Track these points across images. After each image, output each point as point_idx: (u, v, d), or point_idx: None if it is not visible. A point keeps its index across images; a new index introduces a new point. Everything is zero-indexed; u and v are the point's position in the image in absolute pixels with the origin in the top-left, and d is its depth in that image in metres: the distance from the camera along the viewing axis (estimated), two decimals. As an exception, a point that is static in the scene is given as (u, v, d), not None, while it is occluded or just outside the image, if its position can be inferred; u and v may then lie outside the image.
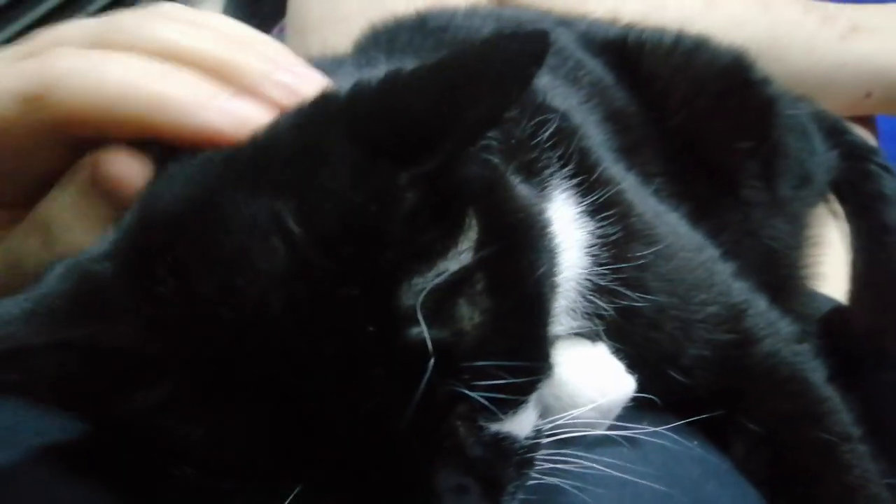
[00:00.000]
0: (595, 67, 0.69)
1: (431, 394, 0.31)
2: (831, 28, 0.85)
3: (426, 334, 0.30)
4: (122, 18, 0.39)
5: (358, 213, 0.31)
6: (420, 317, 0.31)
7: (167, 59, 0.37)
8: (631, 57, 0.71)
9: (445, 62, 0.34)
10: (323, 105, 0.35)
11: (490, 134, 0.35)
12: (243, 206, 0.31)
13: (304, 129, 0.34)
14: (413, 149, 0.32)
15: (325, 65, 0.44)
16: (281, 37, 0.96)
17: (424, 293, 0.31)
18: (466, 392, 0.32)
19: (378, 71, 0.36)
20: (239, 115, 0.36)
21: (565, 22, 0.76)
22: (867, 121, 0.90)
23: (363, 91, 0.35)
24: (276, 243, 0.30)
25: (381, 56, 0.60)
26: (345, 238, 0.31)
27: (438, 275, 0.32)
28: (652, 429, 0.42)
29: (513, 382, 0.33)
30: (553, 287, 0.39)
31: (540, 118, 0.46)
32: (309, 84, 0.38)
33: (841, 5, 0.88)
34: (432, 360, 0.30)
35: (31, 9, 1.25)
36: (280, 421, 0.30)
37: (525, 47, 0.33)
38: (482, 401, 0.32)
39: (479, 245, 0.34)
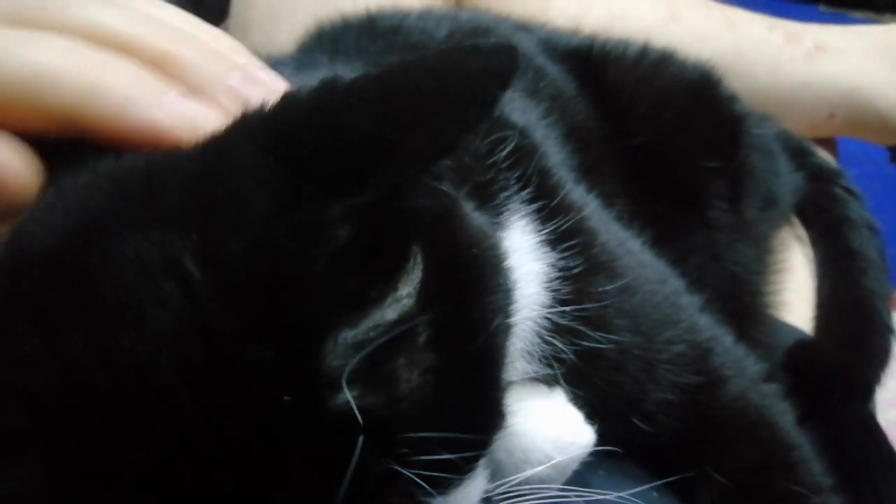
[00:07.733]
0: (557, 76, 0.64)
1: (363, 475, 0.26)
2: (796, 47, 0.83)
3: (353, 404, 0.25)
4: None
5: (274, 252, 0.26)
6: (344, 383, 0.25)
7: (101, 45, 0.31)
8: (596, 66, 0.68)
9: (393, 74, 0.29)
10: (239, 119, 0.30)
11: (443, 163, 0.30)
12: (132, 243, 0.25)
13: (213, 146, 0.29)
14: (348, 177, 0.27)
15: None
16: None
17: (356, 351, 0.26)
18: (404, 472, 0.27)
19: (314, 78, 0.31)
20: (189, 117, 0.30)
21: (525, 27, 0.72)
22: (829, 143, 0.88)
23: (291, 104, 0.29)
24: (170, 290, 0.25)
25: (323, 58, 0.55)
26: (255, 285, 0.25)
27: (374, 327, 0.27)
28: (615, 494, 0.37)
29: (459, 456, 0.28)
30: (508, 333, 0.34)
31: (497, 135, 0.41)
32: (266, 93, 0.32)
33: (805, 24, 0.87)
34: (362, 438, 0.25)
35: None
36: None
37: (489, 65, 0.28)
38: (421, 483, 0.27)
39: (424, 288, 0.29)
